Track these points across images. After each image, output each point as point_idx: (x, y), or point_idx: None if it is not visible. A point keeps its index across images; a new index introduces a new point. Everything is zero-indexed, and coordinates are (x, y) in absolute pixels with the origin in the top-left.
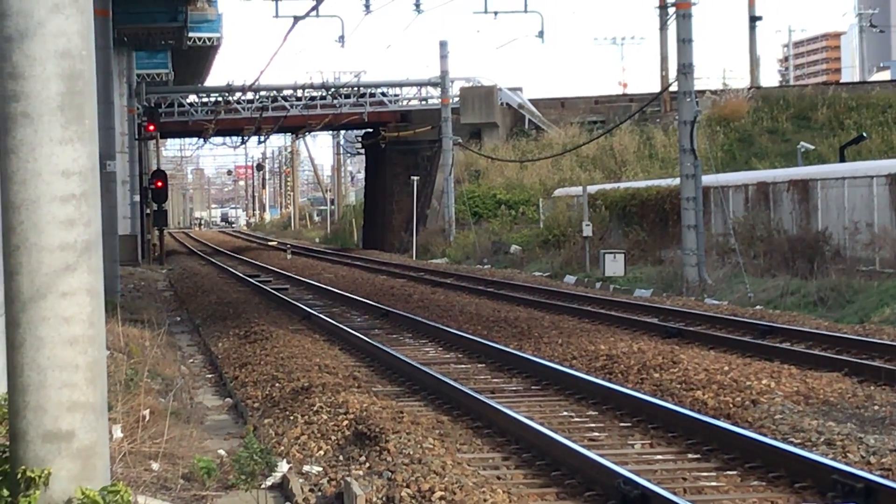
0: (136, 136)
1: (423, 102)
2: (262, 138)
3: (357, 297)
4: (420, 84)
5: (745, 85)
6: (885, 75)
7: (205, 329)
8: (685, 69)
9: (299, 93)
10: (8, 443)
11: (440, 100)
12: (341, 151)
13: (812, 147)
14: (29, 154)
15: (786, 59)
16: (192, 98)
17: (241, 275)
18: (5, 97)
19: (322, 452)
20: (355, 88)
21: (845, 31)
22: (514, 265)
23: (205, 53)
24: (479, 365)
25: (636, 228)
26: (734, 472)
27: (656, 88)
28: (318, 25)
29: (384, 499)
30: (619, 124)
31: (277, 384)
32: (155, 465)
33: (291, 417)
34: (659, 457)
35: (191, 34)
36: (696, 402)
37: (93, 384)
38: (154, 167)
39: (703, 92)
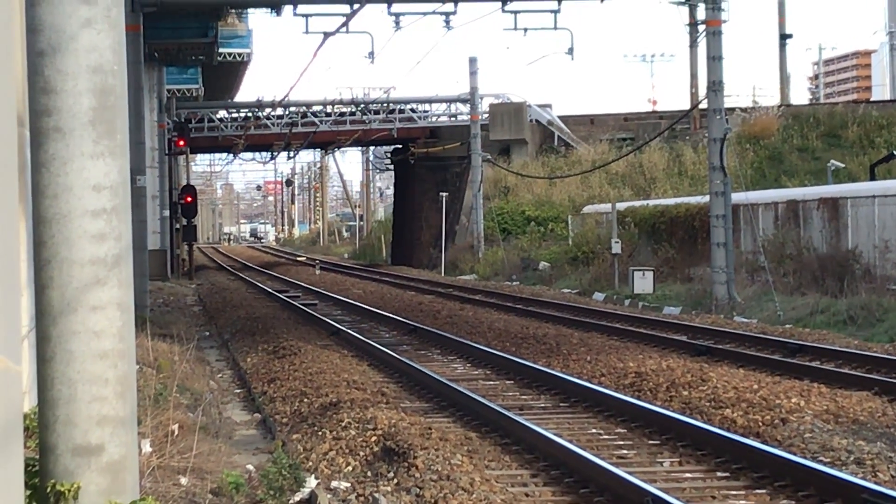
0: (167, 152)
1: (453, 118)
2: (292, 154)
3: (385, 313)
4: (449, 100)
5: (775, 103)
6: None
7: (234, 344)
8: (715, 86)
9: (329, 108)
10: (37, 456)
11: (469, 116)
12: (370, 167)
13: (842, 165)
14: (60, 168)
15: (816, 76)
16: (222, 113)
17: (269, 290)
18: (37, 112)
19: (350, 468)
20: (385, 104)
21: (876, 49)
22: (543, 282)
23: (235, 69)
24: (508, 381)
25: (665, 246)
26: (763, 491)
27: (686, 105)
28: (348, 41)
29: None
30: (648, 141)
31: (306, 399)
32: (183, 480)
33: (320, 433)
34: (688, 475)
35: (221, 50)
36: (725, 420)
37: (122, 398)
38: (184, 182)
39: (732, 109)
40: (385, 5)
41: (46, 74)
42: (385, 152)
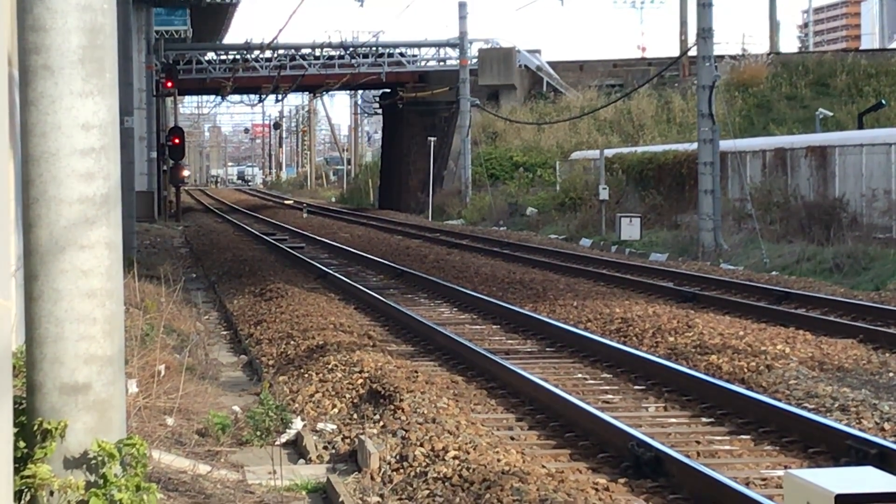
0: (154, 93)
1: (442, 63)
2: (280, 97)
3: (372, 257)
4: (439, 45)
5: (765, 50)
6: None
7: (220, 286)
8: (705, 33)
9: (317, 52)
10: (24, 395)
11: (458, 61)
12: (359, 111)
13: (830, 113)
14: (49, 107)
15: (805, 24)
16: (211, 55)
17: (256, 233)
18: (26, 49)
19: (336, 410)
20: (374, 48)
21: None
22: (530, 227)
23: (223, 10)
24: (494, 326)
25: (653, 192)
26: (748, 437)
27: (675, 53)
28: None
29: (398, 457)
30: (637, 88)
31: (292, 342)
32: (170, 420)
33: (306, 375)
34: (673, 420)
35: None
36: (710, 366)
37: (110, 337)
38: (171, 124)
39: (722, 57)
40: None
41: (35, 12)
42: (373, 96)
